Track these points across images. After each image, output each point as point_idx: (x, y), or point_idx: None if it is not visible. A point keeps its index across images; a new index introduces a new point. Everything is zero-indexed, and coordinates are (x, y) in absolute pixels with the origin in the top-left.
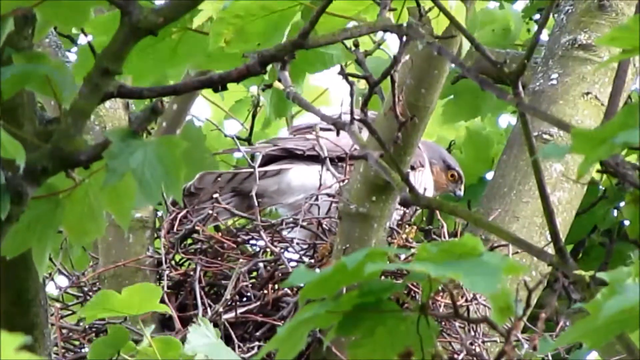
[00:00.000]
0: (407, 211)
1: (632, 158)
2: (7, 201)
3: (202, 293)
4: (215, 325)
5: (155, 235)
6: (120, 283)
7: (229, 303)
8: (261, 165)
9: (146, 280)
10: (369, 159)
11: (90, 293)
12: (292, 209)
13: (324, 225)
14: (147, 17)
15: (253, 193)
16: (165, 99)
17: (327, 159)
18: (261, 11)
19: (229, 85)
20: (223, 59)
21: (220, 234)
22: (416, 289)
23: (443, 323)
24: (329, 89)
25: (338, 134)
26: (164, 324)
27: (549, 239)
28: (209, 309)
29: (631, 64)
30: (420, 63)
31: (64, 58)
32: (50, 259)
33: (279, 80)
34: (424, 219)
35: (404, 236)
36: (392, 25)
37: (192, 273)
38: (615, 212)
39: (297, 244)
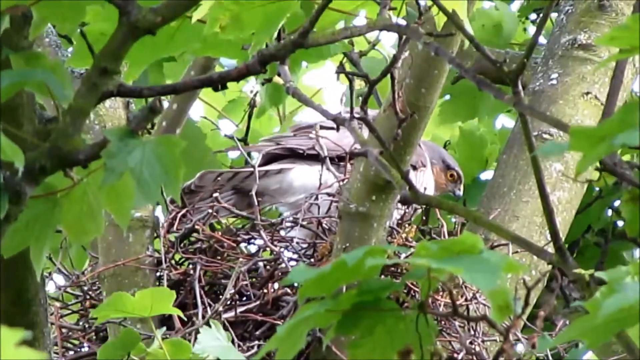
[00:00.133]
0: (407, 210)
1: (625, 157)
2: (6, 200)
3: (202, 292)
4: None
5: (155, 234)
6: (120, 282)
7: (229, 302)
8: (262, 164)
9: (146, 279)
10: (369, 155)
11: (90, 292)
12: (292, 207)
13: (324, 225)
14: (145, 17)
15: (253, 192)
16: (165, 98)
17: (327, 158)
18: (259, 0)
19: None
20: (219, 46)
21: (220, 233)
22: (415, 288)
23: (443, 322)
24: (322, 89)
25: (338, 129)
26: (164, 323)
27: (549, 239)
28: (208, 308)
29: (631, 64)
30: (421, 63)
31: (63, 58)
32: (50, 258)
33: (279, 75)
34: (424, 218)
35: (404, 235)
36: (391, 24)
37: (191, 272)
38: (609, 212)
39: (297, 243)
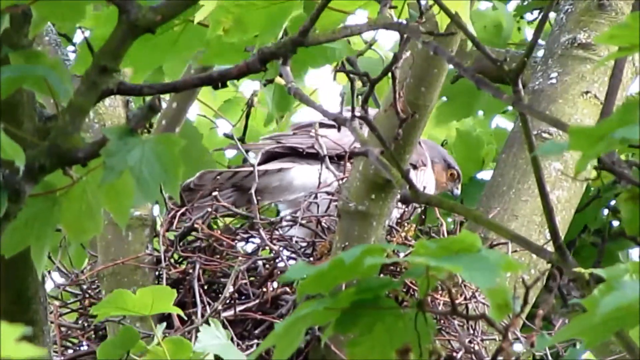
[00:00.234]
0: (407, 209)
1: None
2: (5, 199)
3: (201, 291)
4: None
5: (154, 233)
6: (119, 281)
7: (228, 301)
8: (262, 163)
9: (145, 278)
10: (369, 155)
11: (89, 291)
12: (292, 205)
13: (323, 224)
14: (145, 15)
15: (252, 192)
16: (165, 96)
17: (327, 157)
18: (262, 2)
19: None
20: (223, 52)
21: (219, 232)
22: (415, 287)
23: (442, 321)
24: (318, 90)
25: (339, 129)
26: (163, 321)
27: (548, 238)
28: (208, 307)
29: (630, 62)
30: (420, 62)
31: (63, 56)
32: (49, 257)
33: (281, 76)
34: (423, 217)
35: (403, 234)
36: (392, 23)
37: (191, 271)
38: (605, 212)
39: (297, 242)
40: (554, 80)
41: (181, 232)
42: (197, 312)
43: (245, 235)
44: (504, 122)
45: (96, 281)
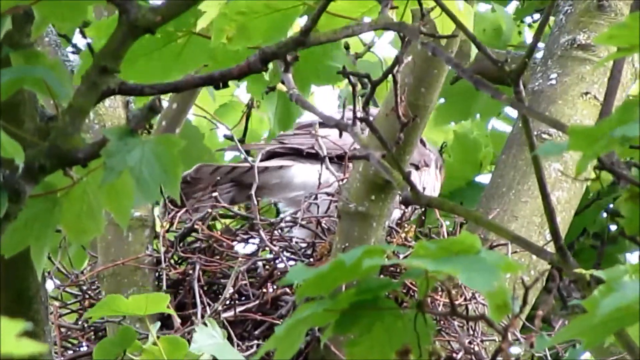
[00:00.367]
0: (407, 210)
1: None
2: (5, 199)
3: (201, 292)
4: None
5: (154, 234)
6: (119, 282)
7: (228, 302)
8: (263, 160)
9: (145, 278)
10: (371, 159)
11: (89, 292)
12: (292, 203)
13: (323, 224)
14: (145, 16)
15: (252, 191)
16: (165, 97)
17: (327, 157)
18: (265, 9)
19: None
20: (229, 63)
21: (219, 232)
22: (414, 288)
23: (442, 322)
24: (314, 93)
25: (341, 135)
26: (163, 322)
27: (548, 239)
28: (207, 308)
29: (630, 63)
30: (420, 62)
31: (63, 57)
32: (49, 258)
33: (282, 83)
34: (423, 218)
35: (403, 235)
36: (393, 23)
37: (191, 272)
38: (604, 215)
39: (296, 243)
40: (553, 82)
41: (181, 233)
42: (197, 312)
43: (245, 236)
44: (501, 125)
45: (96, 282)
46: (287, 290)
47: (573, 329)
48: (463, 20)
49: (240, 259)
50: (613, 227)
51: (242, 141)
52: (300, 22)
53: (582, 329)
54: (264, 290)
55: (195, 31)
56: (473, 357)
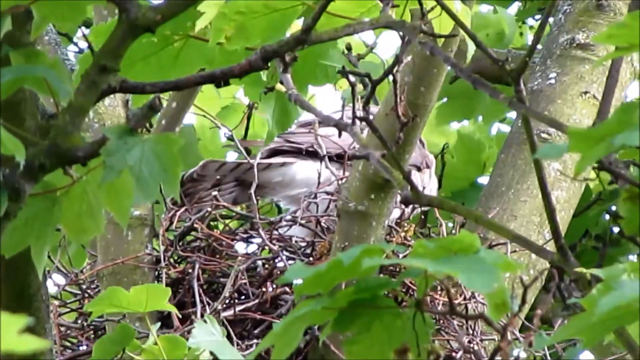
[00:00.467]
0: (407, 209)
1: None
2: (5, 197)
3: (201, 291)
4: None
5: (154, 233)
6: (119, 280)
7: (228, 301)
8: (265, 158)
9: (145, 277)
10: (370, 159)
11: (89, 291)
12: (292, 201)
13: (322, 223)
14: (145, 15)
15: (252, 191)
16: (164, 96)
17: (327, 156)
18: (263, 9)
19: (220, 90)
20: (226, 65)
21: (218, 231)
22: (414, 287)
23: (442, 321)
24: (315, 95)
25: (340, 135)
26: (162, 321)
27: (547, 238)
28: (207, 307)
29: (629, 63)
30: (420, 61)
31: (63, 56)
32: (49, 257)
33: (281, 83)
34: (423, 217)
35: (403, 234)
36: (394, 22)
37: (190, 271)
38: (606, 216)
39: (296, 242)
40: (552, 81)
41: (181, 231)
42: (196, 311)
43: (245, 235)
44: (505, 127)
45: (95, 281)
46: (287, 289)
47: (572, 327)
48: (460, 18)
49: (239, 258)
50: (615, 229)
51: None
52: (298, 23)
53: (581, 328)
54: (264, 289)
55: (193, 34)
56: (472, 357)
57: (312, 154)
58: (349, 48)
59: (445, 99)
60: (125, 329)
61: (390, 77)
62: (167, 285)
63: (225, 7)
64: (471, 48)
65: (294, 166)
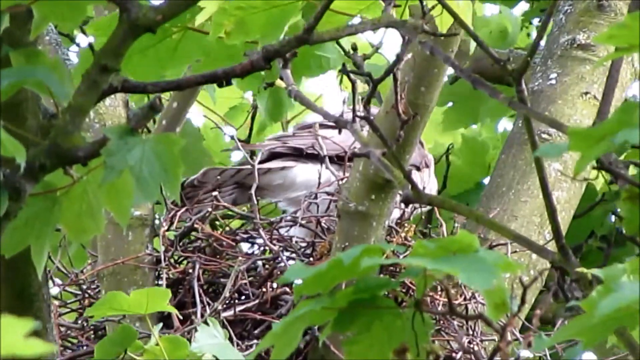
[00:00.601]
0: (407, 210)
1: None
2: (5, 197)
3: (201, 291)
4: None
5: (154, 233)
6: (119, 281)
7: (228, 301)
8: (265, 161)
9: (145, 277)
10: (371, 157)
11: (89, 291)
12: (293, 203)
13: (323, 224)
14: (145, 15)
15: (253, 191)
16: (165, 96)
17: (327, 157)
18: (263, 4)
19: (224, 90)
20: (223, 59)
21: (219, 232)
22: (414, 287)
23: (441, 322)
24: (323, 95)
25: (340, 132)
26: (163, 322)
27: (547, 238)
28: (207, 307)
29: (630, 64)
30: (420, 61)
31: (63, 56)
32: (49, 257)
33: (281, 79)
34: (423, 217)
35: (403, 235)
36: (396, 21)
37: (190, 271)
38: (612, 218)
39: (296, 242)
40: (553, 81)
41: (181, 232)
42: (196, 312)
43: (245, 236)
44: (511, 127)
45: (96, 281)
46: (287, 289)
47: (572, 328)
48: (462, 17)
49: (240, 258)
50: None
51: (247, 142)
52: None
53: (581, 329)
54: (264, 289)
55: (191, 26)
56: (472, 357)
57: (312, 157)
58: (354, 48)
59: (450, 103)
60: (126, 330)
61: (391, 76)
62: (167, 285)
63: (225, 2)
64: (473, 45)
65: (294, 169)
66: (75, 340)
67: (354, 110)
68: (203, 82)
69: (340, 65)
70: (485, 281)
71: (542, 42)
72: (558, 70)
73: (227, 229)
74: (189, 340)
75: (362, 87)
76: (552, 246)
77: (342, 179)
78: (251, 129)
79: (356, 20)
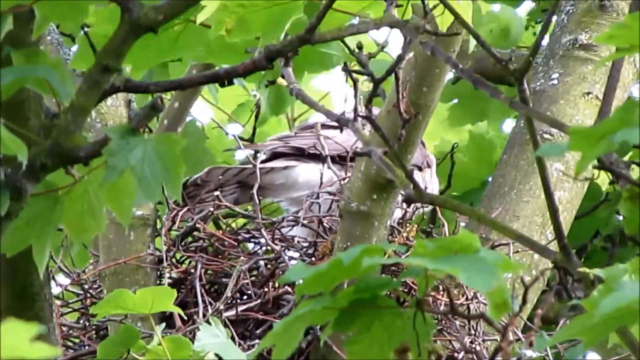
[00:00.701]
0: (409, 210)
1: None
2: (7, 197)
3: (203, 291)
4: None
5: (156, 232)
6: (121, 280)
7: (230, 301)
8: (267, 161)
9: (147, 277)
10: (372, 156)
11: (91, 291)
12: (295, 203)
13: (324, 224)
14: (147, 15)
15: (254, 191)
16: (167, 96)
17: (329, 157)
18: (264, 3)
19: (231, 88)
20: (223, 52)
21: (221, 231)
22: (415, 287)
23: (444, 322)
24: (330, 92)
25: (342, 130)
26: (165, 321)
27: (549, 238)
28: (209, 307)
29: (631, 64)
30: (422, 61)
31: (65, 56)
32: (51, 257)
33: (282, 77)
34: (425, 217)
35: (405, 235)
36: (398, 21)
37: (192, 271)
38: (617, 218)
39: (298, 242)
40: (555, 81)
41: (183, 231)
42: (198, 311)
43: (247, 235)
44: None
45: (97, 281)
46: (289, 289)
47: (573, 328)
48: (462, 16)
49: (242, 258)
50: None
51: (251, 141)
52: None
53: (582, 328)
54: (266, 289)
55: (193, 18)
56: (474, 357)
57: (314, 157)
58: (359, 47)
59: (455, 100)
60: (129, 330)
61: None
62: (169, 285)
63: (226, 0)
64: (472, 43)
65: (296, 169)
66: (77, 340)
67: (355, 110)
68: (205, 82)
69: (345, 61)
70: (485, 282)
71: (544, 42)
72: (560, 70)
73: (232, 227)
74: (192, 340)
75: (368, 86)
76: (554, 246)
77: (344, 179)
78: (254, 128)
79: (358, 20)
